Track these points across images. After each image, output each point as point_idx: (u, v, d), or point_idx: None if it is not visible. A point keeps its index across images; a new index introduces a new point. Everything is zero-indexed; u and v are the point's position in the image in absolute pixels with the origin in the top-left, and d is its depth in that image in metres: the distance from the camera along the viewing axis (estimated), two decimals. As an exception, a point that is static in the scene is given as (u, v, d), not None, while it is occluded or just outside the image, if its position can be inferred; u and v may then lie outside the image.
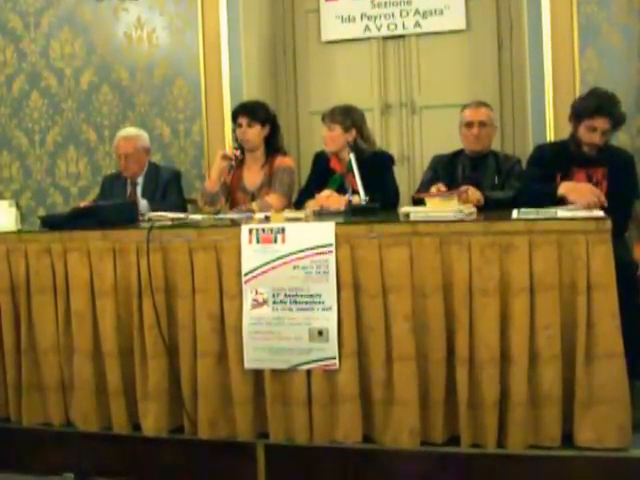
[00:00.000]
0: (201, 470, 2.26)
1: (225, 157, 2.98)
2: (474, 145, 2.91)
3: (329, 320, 2.10)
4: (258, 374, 2.18)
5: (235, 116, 3.11)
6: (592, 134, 2.59)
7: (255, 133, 3.05)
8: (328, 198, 2.75)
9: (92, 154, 3.85)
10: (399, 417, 2.08)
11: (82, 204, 2.92)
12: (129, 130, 3.32)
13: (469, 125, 2.91)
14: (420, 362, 2.07)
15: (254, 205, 2.86)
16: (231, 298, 2.18)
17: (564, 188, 2.47)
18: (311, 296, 2.12)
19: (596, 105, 2.57)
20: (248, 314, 2.16)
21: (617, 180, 2.64)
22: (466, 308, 2.03)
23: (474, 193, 2.60)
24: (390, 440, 2.10)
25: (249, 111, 3.06)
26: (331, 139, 2.94)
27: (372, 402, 2.12)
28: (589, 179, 2.65)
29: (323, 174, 3.01)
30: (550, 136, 3.22)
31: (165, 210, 2.73)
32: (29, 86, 3.89)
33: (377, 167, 2.91)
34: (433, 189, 2.62)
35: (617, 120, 2.60)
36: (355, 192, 2.68)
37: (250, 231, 2.17)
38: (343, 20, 3.77)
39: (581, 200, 2.35)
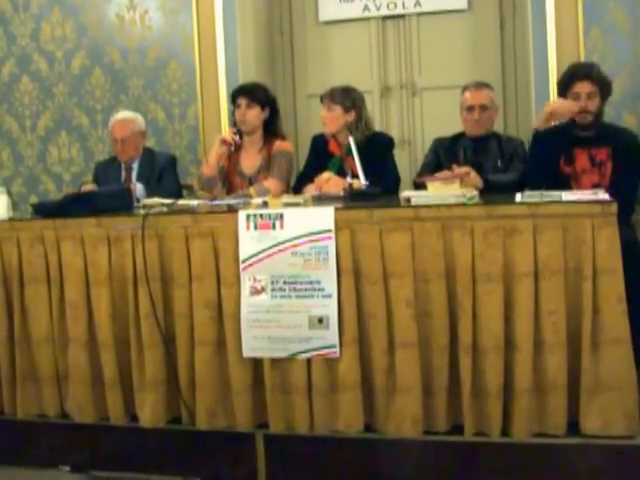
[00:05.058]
0: (200, 461, 2.23)
1: (224, 142, 2.94)
2: (476, 129, 2.87)
3: (329, 307, 2.07)
4: (257, 363, 2.16)
5: (234, 97, 3.06)
6: (578, 102, 2.59)
7: (254, 115, 3.00)
8: (328, 181, 2.71)
9: (84, 139, 3.79)
10: (401, 405, 2.05)
11: (84, 188, 2.88)
12: (125, 113, 3.28)
13: (470, 109, 2.87)
14: (422, 349, 2.04)
15: (252, 190, 2.82)
16: (229, 286, 2.15)
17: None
18: (311, 283, 2.09)
19: (572, 73, 2.63)
20: (246, 302, 2.13)
21: (622, 161, 2.62)
22: (469, 294, 2.00)
23: (474, 177, 2.55)
24: (392, 429, 2.08)
25: (249, 92, 3.01)
26: (330, 120, 2.89)
27: (374, 390, 2.10)
28: (592, 160, 2.64)
29: (321, 157, 2.97)
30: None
31: (160, 195, 2.69)
32: (19, 70, 3.82)
33: (377, 150, 2.86)
34: (442, 174, 2.57)
35: (600, 83, 2.60)
36: (355, 176, 2.64)
37: (248, 217, 2.14)
38: (341, -1, 3.70)
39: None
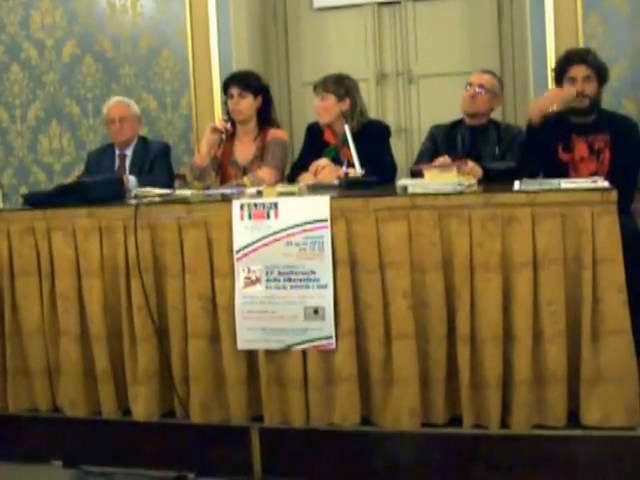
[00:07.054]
0: (193, 455, 2.21)
1: (215, 130, 2.90)
2: (468, 106, 2.85)
3: (325, 298, 2.04)
4: (251, 355, 2.13)
5: (226, 87, 3.01)
6: (575, 86, 2.58)
7: (247, 104, 2.95)
8: (324, 167, 2.67)
9: (75, 129, 3.75)
10: (398, 398, 2.03)
11: (67, 180, 2.85)
12: (120, 97, 3.28)
13: (467, 86, 2.86)
14: (420, 340, 2.02)
15: (246, 180, 2.79)
16: (222, 276, 2.12)
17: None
18: (306, 273, 2.06)
19: (567, 57, 2.62)
20: (240, 293, 2.10)
21: (620, 148, 2.59)
22: (467, 284, 1.98)
23: (473, 168, 2.52)
24: (390, 421, 2.05)
25: (240, 81, 2.96)
26: (324, 109, 2.86)
27: (370, 382, 2.07)
28: (590, 147, 2.61)
29: (317, 146, 2.93)
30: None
31: (152, 184, 2.65)
32: (8, 58, 3.77)
33: (373, 138, 2.83)
34: (440, 160, 2.54)
35: (596, 67, 2.58)
36: (350, 165, 2.60)
37: (242, 206, 2.10)
38: (336, -15, 3.66)
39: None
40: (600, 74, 2.60)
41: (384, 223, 2.02)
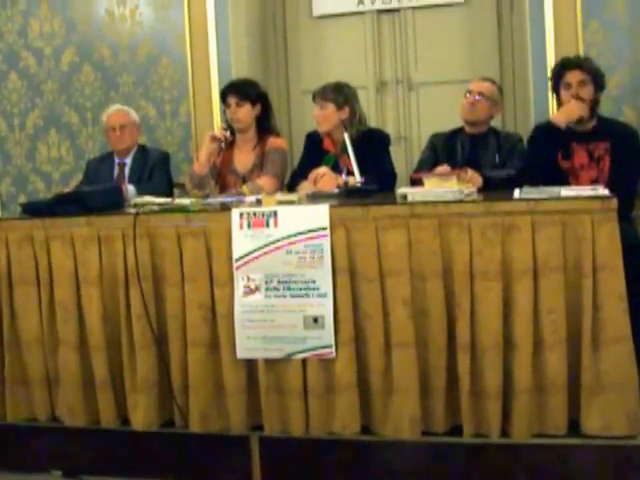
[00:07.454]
0: (193, 465, 2.20)
1: (214, 138, 2.90)
2: (468, 114, 2.85)
3: (325, 307, 2.04)
4: (251, 364, 2.12)
5: (224, 96, 3.02)
6: (570, 91, 2.59)
7: (245, 113, 2.96)
8: (324, 176, 2.67)
9: (74, 137, 3.74)
10: (399, 406, 2.02)
11: (66, 189, 2.85)
12: (119, 105, 3.30)
13: (467, 93, 2.86)
14: (420, 349, 2.01)
15: (245, 188, 2.78)
16: (222, 285, 2.11)
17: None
18: (305, 282, 2.05)
19: (562, 64, 2.65)
20: (240, 302, 2.09)
21: (620, 155, 2.59)
22: (467, 292, 1.97)
23: (473, 176, 2.52)
24: (390, 430, 2.04)
25: (238, 90, 2.97)
26: (323, 118, 2.86)
27: (370, 391, 2.06)
28: (590, 155, 2.61)
29: (316, 155, 2.93)
30: (553, 113, 3.12)
31: (151, 193, 2.65)
32: (7, 67, 3.76)
33: (373, 147, 2.84)
34: (440, 168, 2.54)
35: (591, 72, 2.59)
36: (350, 173, 2.60)
37: (241, 215, 2.10)
38: (335, -7, 3.66)
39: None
40: (596, 79, 2.60)
41: (384, 231, 2.02)
